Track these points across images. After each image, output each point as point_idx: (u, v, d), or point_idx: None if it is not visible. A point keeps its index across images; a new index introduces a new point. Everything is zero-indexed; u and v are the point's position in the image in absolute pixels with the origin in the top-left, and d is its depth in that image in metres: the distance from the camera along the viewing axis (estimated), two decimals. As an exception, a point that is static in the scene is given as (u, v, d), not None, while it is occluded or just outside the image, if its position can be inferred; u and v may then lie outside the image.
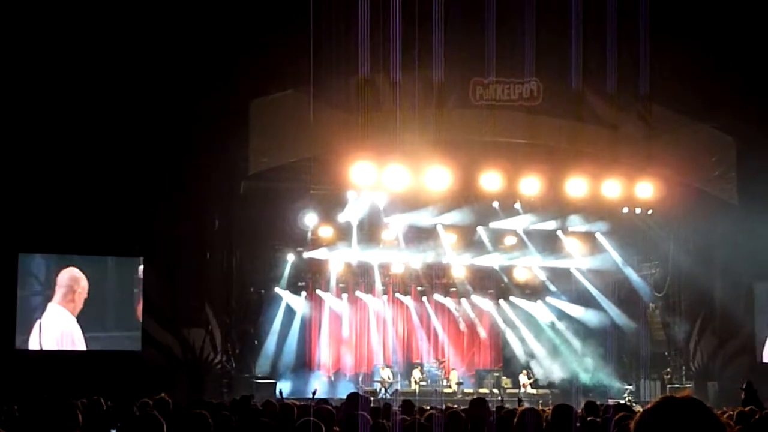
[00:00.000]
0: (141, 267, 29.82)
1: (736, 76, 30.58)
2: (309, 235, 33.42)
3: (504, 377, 34.66)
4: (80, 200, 28.09)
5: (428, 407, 14.35)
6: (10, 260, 28.61)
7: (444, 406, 14.71)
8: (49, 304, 29.02)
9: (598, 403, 15.28)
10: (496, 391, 33.60)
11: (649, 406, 3.86)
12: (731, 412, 12.46)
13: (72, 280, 29.31)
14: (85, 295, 29.31)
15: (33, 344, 28.73)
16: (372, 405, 14.12)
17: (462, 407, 13.84)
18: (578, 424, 8.52)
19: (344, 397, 13.98)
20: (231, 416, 10.82)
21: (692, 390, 32.62)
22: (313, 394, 26.45)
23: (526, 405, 18.29)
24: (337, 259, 34.83)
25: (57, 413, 8.50)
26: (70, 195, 28.01)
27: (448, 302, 37.01)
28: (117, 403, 9.78)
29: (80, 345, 29.12)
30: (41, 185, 27.74)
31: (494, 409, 14.87)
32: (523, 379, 34.59)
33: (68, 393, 10.51)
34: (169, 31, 27.89)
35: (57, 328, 29.04)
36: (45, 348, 28.77)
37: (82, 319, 29.31)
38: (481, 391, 33.19)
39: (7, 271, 28.47)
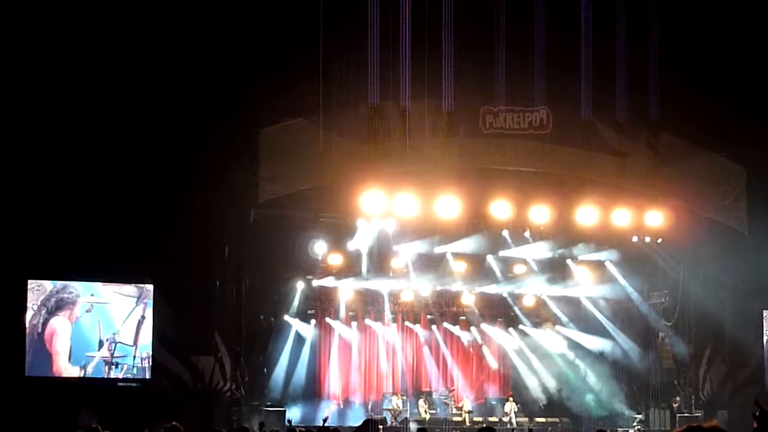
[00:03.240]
0: (151, 295, 29.83)
1: (747, 106, 30.62)
2: (319, 263, 33.38)
3: (513, 406, 34.55)
4: (91, 228, 28.11)
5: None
6: (19, 286, 28.63)
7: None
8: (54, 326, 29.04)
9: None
10: (505, 419, 33.57)
11: None
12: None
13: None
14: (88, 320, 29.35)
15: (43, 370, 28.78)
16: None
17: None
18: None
19: (354, 424, 14.05)
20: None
21: (702, 418, 32.61)
22: (324, 421, 26.42)
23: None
24: (346, 287, 34.84)
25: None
26: (82, 222, 28.03)
27: (458, 330, 36.97)
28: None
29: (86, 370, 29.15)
30: (54, 212, 27.76)
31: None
32: (508, 407, 34.40)
33: (76, 421, 10.53)
34: (179, 61, 28.03)
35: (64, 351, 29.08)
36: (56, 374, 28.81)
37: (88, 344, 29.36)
38: (491, 419, 33.15)
39: (15, 297, 28.48)
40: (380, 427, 25.11)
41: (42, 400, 26.11)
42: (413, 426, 31.09)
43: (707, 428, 3.80)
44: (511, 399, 34.82)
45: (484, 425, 15.71)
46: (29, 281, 28.93)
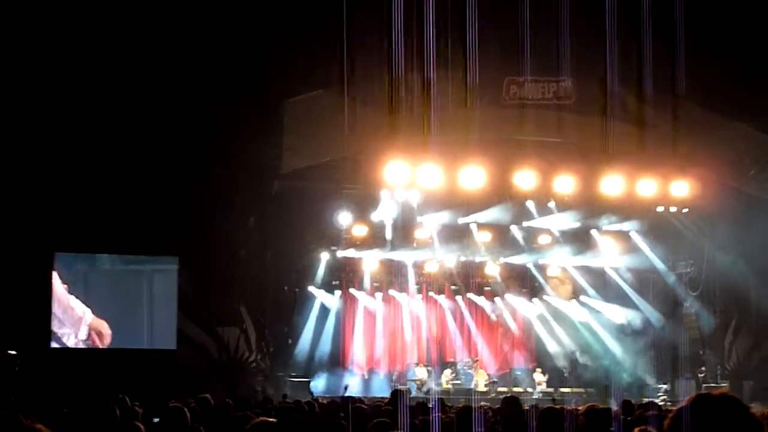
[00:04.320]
0: (176, 267, 29.92)
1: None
2: (343, 234, 33.42)
3: (538, 376, 34.54)
4: (116, 201, 28.20)
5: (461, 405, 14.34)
6: (46, 259, 28.75)
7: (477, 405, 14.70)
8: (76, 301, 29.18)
9: (633, 402, 15.24)
10: (530, 389, 33.59)
11: (684, 402, 3.85)
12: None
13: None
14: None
15: (68, 342, 28.94)
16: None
17: (495, 406, 13.83)
18: (613, 426, 8.48)
19: (378, 395, 14.08)
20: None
21: (728, 389, 32.49)
22: (345, 389, 26.52)
23: (568, 405, 18.21)
24: (371, 258, 34.87)
25: (97, 411, 8.57)
26: (107, 196, 28.12)
27: (482, 301, 36.95)
28: (149, 402, 9.83)
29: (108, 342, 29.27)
30: (79, 186, 27.85)
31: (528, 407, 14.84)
32: (537, 377, 34.45)
33: (102, 392, 10.53)
34: (203, 33, 27.97)
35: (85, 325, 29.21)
36: (75, 345, 28.94)
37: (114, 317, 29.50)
38: (515, 389, 33.12)
39: (43, 269, 28.61)
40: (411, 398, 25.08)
41: (68, 370, 26.24)
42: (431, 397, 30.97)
43: (717, 395, 3.76)
44: (539, 370, 34.81)
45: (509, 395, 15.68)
46: (56, 254, 29.07)
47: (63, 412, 9.99)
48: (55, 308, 28.89)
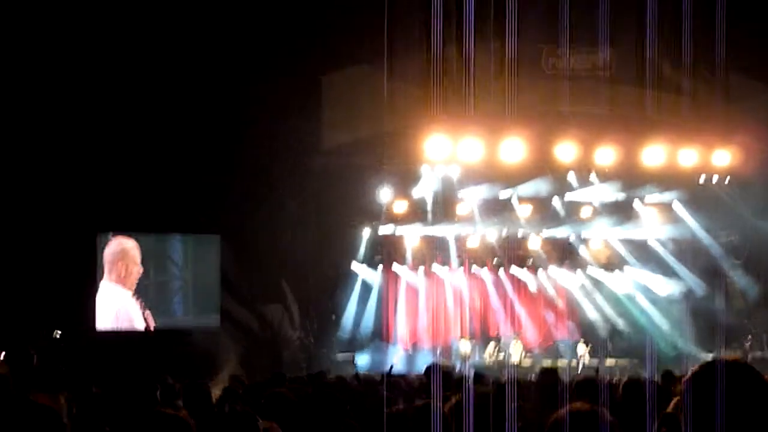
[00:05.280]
0: (219, 245, 30.06)
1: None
2: (384, 210, 33.39)
3: (581, 348, 34.47)
4: (158, 181, 28.30)
5: (503, 379, 14.33)
6: (89, 240, 28.92)
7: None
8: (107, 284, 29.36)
9: (678, 373, 15.16)
10: (574, 362, 33.56)
11: (695, 368, 3.86)
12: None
13: (121, 253, 29.56)
14: (138, 267, 29.55)
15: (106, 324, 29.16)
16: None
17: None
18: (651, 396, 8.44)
19: (422, 370, 14.10)
20: (308, 391, 10.87)
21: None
22: (390, 368, 26.54)
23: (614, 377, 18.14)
24: (412, 234, 34.83)
25: (136, 391, 8.62)
26: (149, 175, 28.23)
27: (524, 274, 36.88)
28: (191, 381, 9.88)
29: (140, 323, 29.41)
30: (121, 166, 27.96)
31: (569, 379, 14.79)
32: (581, 349, 34.36)
33: (143, 373, 10.59)
34: (243, 7, 27.99)
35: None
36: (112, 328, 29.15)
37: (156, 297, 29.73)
38: (559, 362, 33.06)
39: (86, 250, 28.78)
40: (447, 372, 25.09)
41: (112, 353, 26.37)
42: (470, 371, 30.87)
43: (729, 361, 3.76)
44: (582, 341, 34.75)
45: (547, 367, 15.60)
46: (99, 233, 29.24)
47: (101, 394, 10.03)
48: (100, 296, 29.13)
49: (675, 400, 7.48)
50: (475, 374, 14.34)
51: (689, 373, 3.90)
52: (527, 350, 34.75)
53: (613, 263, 36.72)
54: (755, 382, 3.72)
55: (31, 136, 27.15)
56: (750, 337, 33.99)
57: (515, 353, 34.02)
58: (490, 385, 9.91)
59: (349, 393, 12.05)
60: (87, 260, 28.86)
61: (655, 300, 36.21)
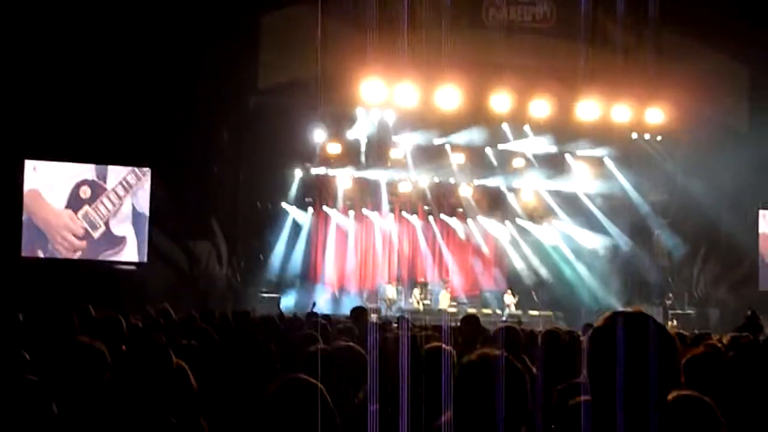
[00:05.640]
0: (149, 178, 29.92)
1: (751, 4, 30.37)
2: (317, 151, 33.34)
3: (508, 298, 34.76)
4: (91, 110, 28.03)
5: (428, 326, 14.46)
6: (16, 165, 28.67)
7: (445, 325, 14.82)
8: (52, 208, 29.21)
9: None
10: (499, 311, 33.87)
11: (600, 320, 3.96)
12: (722, 337, 12.52)
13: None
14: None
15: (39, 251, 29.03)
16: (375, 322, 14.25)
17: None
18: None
19: (348, 313, 14.18)
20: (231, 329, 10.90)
21: (694, 316, 32.93)
22: (312, 306, 26.62)
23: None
24: (344, 177, 34.83)
25: (55, 319, 8.60)
26: (82, 105, 27.94)
27: (455, 222, 37.06)
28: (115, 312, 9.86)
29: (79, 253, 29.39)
30: (53, 92, 27.63)
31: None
32: (507, 299, 34.67)
33: (71, 302, 10.57)
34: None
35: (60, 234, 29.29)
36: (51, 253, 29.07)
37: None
38: (484, 310, 33.33)
39: (12, 176, 28.53)
40: (374, 315, 25.23)
41: (37, 281, 26.23)
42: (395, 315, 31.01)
43: (631, 312, 3.89)
44: (509, 291, 35.02)
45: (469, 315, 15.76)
46: (26, 161, 28.97)
47: (18, 319, 10.02)
48: (27, 216, 28.94)
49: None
50: (399, 318, 14.47)
51: (593, 326, 4.01)
52: (453, 297, 35.00)
53: (541, 215, 36.96)
54: (655, 332, 3.82)
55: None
56: (671, 294, 34.46)
57: (442, 300, 34.26)
58: (414, 330, 10.02)
59: (273, 332, 12.10)
60: (13, 186, 28.60)
61: (581, 253, 36.56)
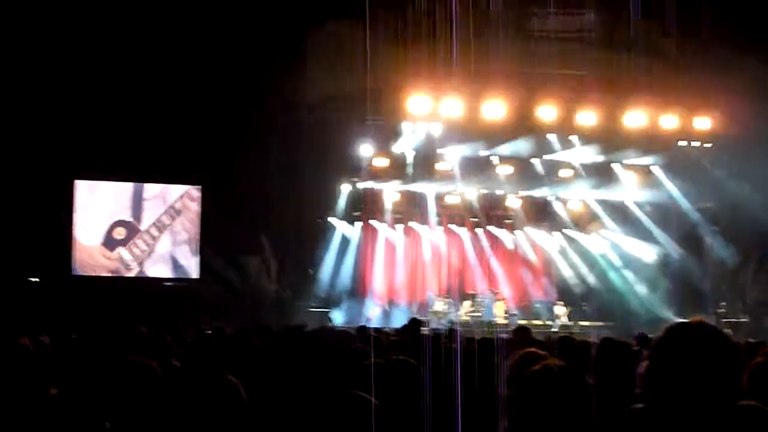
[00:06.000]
0: (199, 195, 30.10)
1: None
2: (365, 165, 33.39)
3: (558, 309, 34.59)
4: (141, 128, 28.23)
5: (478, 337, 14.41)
6: (65, 186, 28.87)
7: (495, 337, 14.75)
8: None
9: (651, 336, 15.25)
10: (549, 322, 33.69)
11: (661, 331, 3.93)
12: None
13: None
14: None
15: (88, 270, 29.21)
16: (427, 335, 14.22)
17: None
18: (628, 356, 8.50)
19: (398, 326, 14.15)
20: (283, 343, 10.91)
21: (748, 324, 32.64)
22: (367, 321, 26.57)
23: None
24: (392, 190, 34.86)
25: (110, 340, 8.63)
26: (130, 123, 28.16)
27: (503, 234, 36.95)
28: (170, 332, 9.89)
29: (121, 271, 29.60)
30: (102, 112, 27.86)
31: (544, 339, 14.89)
32: (558, 310, 34.46)
33: (124, 320, 10.64)
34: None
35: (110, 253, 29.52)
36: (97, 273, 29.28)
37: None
38: (535, 322, 33.16)
39: (63, 196, 28.74)
40: (424, 328, 25.19)
41: (89, 299, 26.41)
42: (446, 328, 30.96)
43: (693, 322, 3.84)
44: (559, 303, 34.84)
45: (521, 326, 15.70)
46: (76, 181, 29.18)
47: (71, 337, 10.08)
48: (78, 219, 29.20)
49: (645, 363, 7.54)
50: (451, 331, 14.43)
51: (656, 336, 3.98)
52: (503, 309, 34.87)
53: (590, 225, 36.79)
54: (718, 342, 3.79)
55: (10, 82, 27.03)
56: (724, 303, 34.15)
57: (497, 310, 34.12)
58: (465, 343, 9.99)
59: (326, 346, 12.09)
60: (64, 206, 28.82)
61: (630, 263, 36.34)
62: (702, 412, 3.71)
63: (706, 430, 3.71)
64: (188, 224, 30.47)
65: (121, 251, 29.89)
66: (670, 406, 3.73)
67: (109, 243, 29.87)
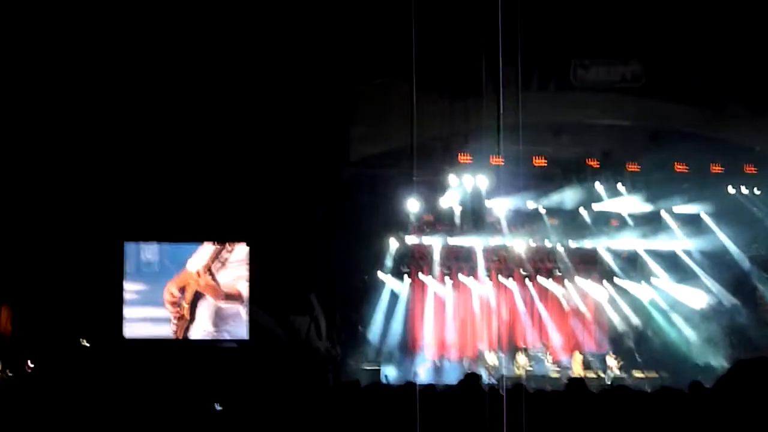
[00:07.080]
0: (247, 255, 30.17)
1: None
2: (411, 220, 33.43)
3: (610, 360, 34.33)
4: (187, 189, 28.42)
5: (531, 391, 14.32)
6: (115, 248, 29.06)
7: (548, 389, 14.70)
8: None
9: (707, 386, 15.11)
10: (602, 374, 33.42)
11: (725, 371, 3.92)
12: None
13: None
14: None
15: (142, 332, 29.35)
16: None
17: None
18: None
19: (449, 382, 14.11)
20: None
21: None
22: (415, 378, 26.50)
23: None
24: (439, 244, 34.84)
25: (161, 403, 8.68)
26: (175, 185, 28.36)
27: (552, 285, 36.78)
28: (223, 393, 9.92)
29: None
30: (148, 176, 28.10)
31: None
32: (610, 361, 34.14)
33: (180, 386, 10.68)
34: (270, 18, 28.07)
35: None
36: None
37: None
38: (588, 375, 32.95)
39: (113, 259, 28.93)
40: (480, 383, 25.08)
41: (141, 361, 26.51)
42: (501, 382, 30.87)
43: (756, 358, 3.84)
44: (611, 354, 34.56)
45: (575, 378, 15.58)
46: (126, 243, 29.38)
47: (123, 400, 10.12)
48: (128, 292, 29.34)
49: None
50: (514, 385, 14.35)
51: (721, 375, 3.97)
52: (555, 362, 34.65)
53: (640, 274, 36.56)
54: None
55: (63, 145, 27.32)
56: (778, 350, 33.84)
57: (544, 365, 33.93)
58: (521, 396, 9.93)
59: (383, 402, 12.07)
60: (113, 269, 29.00)
61: (682, 312, 36.04)
62: None
63: None
64: (237, 283, 30.47)
65: (171, 313, 29.97)
66: None
67: (159, 304, 29.97)
